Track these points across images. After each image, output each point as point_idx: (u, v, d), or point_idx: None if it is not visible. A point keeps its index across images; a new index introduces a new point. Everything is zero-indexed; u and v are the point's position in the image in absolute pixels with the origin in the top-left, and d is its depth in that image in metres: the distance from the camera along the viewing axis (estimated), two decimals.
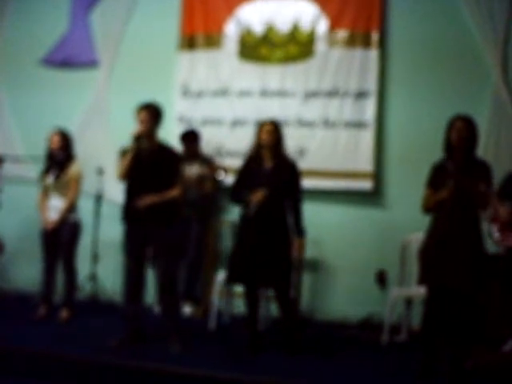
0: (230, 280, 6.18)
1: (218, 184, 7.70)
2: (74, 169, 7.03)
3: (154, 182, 5.98)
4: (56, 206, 7.01)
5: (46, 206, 7.08)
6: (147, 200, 5.90)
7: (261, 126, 6.16)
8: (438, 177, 5.39)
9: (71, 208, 7.04)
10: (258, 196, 5.90)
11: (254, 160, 6.16)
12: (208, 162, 7.72)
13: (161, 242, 6.03)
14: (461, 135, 5.23)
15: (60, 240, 7.02)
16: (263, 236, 5.92)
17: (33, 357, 5.73)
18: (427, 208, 5.46)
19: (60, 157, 7.04)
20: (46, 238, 7.06)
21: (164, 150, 6.17)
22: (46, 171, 7.10)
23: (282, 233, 6.02)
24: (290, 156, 6.29)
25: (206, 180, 7.62)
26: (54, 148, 7.04)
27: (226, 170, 7.62)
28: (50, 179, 7.03)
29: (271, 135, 6.06)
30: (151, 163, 6.01)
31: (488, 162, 5.38)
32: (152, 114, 6.05)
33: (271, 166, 6.07)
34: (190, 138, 7.68)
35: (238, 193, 6.18)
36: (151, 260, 6.12)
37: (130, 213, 6.06)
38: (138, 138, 5.95)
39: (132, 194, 6.01)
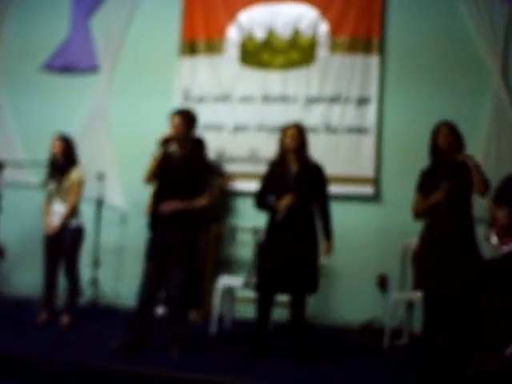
0: (260, 287, 6.07)
1: (225, 192, 7.70)
2: (75, 174, 7.02)
3: (183, 188, 5.95)
4: (58, 211, 7.00)
5: (48, 212, 7.08)
6: (172, 206, 5.89)
7: (284, 130, 6.10)
8: (427, 182, 5.45)
9: (73, 213, 7.03)
10: (286, 201, 5.87)
11: (278, 165, 6.12)
12: (217, 170, 7.71)
13: (182, 249, 5.99)
14: (447, 139, 5.29)
15: (62, 245, 7.01)
16: (293, 241, 5.89)
17: (34, 362, 5.72)
18: (419, 212, 5.50)
19: (62, 162, 7.03)
20: (49, 244, 7.04)
21: (196, 157, 6.17)
22: (49, 177, 7.09)
23: (312, 237, 6.01)
24: (315, 160, 6.23)
25: (214, 188, 7.61)
26: (56, 153, 7.04)
27: (233, 179, 7.65)
28: (53, 184, 7.02)
29: (295, 139, 6.01)
30: (182, 169, 5.99)
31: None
32: (186, 119, 6.04)
33: (297, 169, 6.03)
34: (196, 146, 7.66)
35: (263, 199, 6.16)
36: (171, 266, 6.09)
37: (156, 218, 6.04)
38: (165, 142, 5.94)
39: (160, 199, 6.00)
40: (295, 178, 5.99)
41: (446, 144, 5.29)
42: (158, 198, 6.04)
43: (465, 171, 5.27)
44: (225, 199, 7.74)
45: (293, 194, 5.87)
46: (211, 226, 7.71)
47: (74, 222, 7.01)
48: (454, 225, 5.22)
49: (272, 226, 6.04)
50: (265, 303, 6.08)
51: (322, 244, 6.08)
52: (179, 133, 5.98)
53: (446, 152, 5.30)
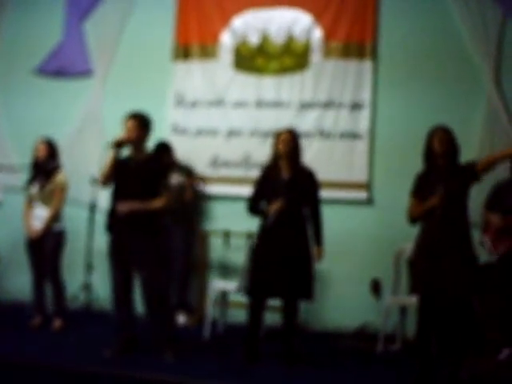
0: (251, 292, 6.06)
1: (197, 193, 7.73)
2: (58, 178, 7.02)
3: (139, 191, 5.94)
4: (40, 215, 6.99)
5: (30, 216, 7.07)
6: (128, 206, 5.88)
7: (277, 135, 6.09)
8: (422, 186, 5.45)
9: (55, 217, 7.03)
10: (275, 206, 5.88)
11: (271, 170, 6.12)
12: (187, 172, 7.73)
13: (145, 251, 5.97)
14: (442, 143, 5.29)
15: (45, 250, 7.00)
16: (283, 246, 5.89)
17: (27, 366, 5.70)
18: (414, 217, 5.50)
19: (45, 166, 7.02)
20: (31, 249, 7.07)
21: (151, 160, 6.16)
22: (32, 180, 7.09)
23: (302, 243, 6.00)
24: (307, 166, 6.23)
25: (186, 189, 7.62)
26: (40, 157, 7.04)
27: (204, 180, 7.66)
28: (35, 188, 7.03)
29: (288, 144, 6.01)
30: (137, 173, 5.99)
31: (471, 162, 5.41)
32: (139, 123, 6.04)
33: (289, 175, 6.03)
34: (161, 150, 7.62)
35: (255, 204, 6.16)
36: (136, 270, 6.09)
37: (114, 221, 6.04)
38: (118, 144, 5.94)
39: (116, 202, 5.99)
40: (286, 184, 5.99)
41: (441, 148, 5.28)
42: (114, 200, 6.05)
43: (459, 176, 5.27)
44: (207, 203, 7.78)
45: (283, 200, 5.87)
46: (194, 229, 7.74)
47: (56, 226, 7.01)
48: (449, 229, 5.22)
49: (263, 231, 6.05)
50: (256, 308, 6.07)
51: (313, 249, 6.08)
52: (132, 136, 5.99)
53: (441, 156, 5.30)
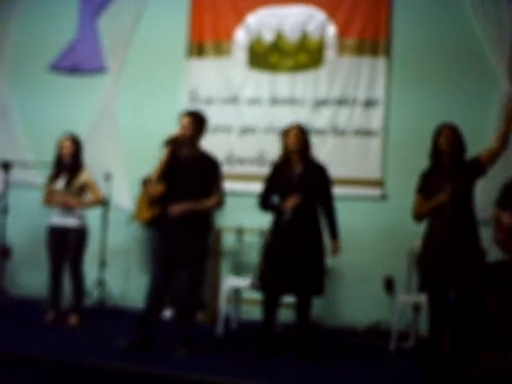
0: (265, 288, 6.08)
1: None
2: (85, 175, 7.04)
3: (192, 189, 5.96)
4: (62, 211, 7.00)
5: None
6: (180, 207, 5.90)
7: (287, 131, 6.12)
8: (427, 183, 5.44)
9: (91, 204, 7.09)
10: (292, 202, 5.88)
11: (282, 166, 6.13)
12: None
13: (191, 251, 5.99)
14: (449, 141, 5.27)
15: (67, 245, 7.02)
16: (298, 242, 5.90)
17: (41, 362, 5.72)
18: (420, 215, 5.48)
19: (70, 162, 7.03)
20: (53, 243, 7.06)
21: (205, 158, 6.16)
22: (55, 176, 7.10)
23: (316, 238, 6.01)
24: (318, 160, 6.25)
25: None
26: (65, 153, 7.03)
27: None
28: (60, 184, 7.02)
29: (298, 140, 6.03)
30: (190, 170, 6.00)
31: (474, 157, 5.39)
32: (194, 120, 6.06)
33: (301, 170, 6.04)
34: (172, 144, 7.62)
35: (267, 200, 6.17)
36: (180, 268, 6.08)
37: (165, 219, 6.05)
38: (172, 142, 5.95)
39: (168, 200, 6.00)
40: (299, 179, 6.00)
41: (448, 146, 5.27)
42: (166, 199, 6.03)
43: (465, 173, 5.26)
44: (228, 199, 7.77)
45: (298, 195, 5.88)
46: (208, 226, 7.74)
47: (80, 222, 7.02)
48: (457, 226, 5.21)
49: (277, 227, 6.05)
50: (270, 305, 6.08)
51: (328, 244, 6.08)
52: (186, 134, 5.99)
53: (447, 154, 5.29)
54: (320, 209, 6.09)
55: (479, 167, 5.29)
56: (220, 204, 6.14)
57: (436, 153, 5.38)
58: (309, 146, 6.14)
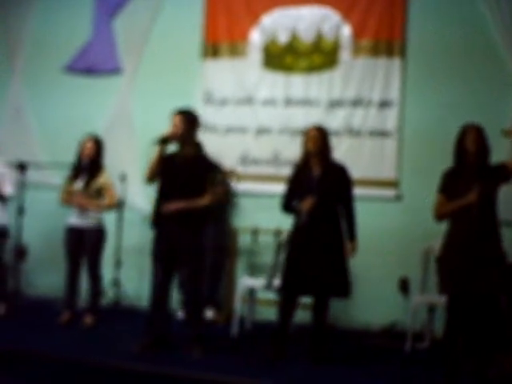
0: (285, 289, 6.08)
1: (228, 188, 7.73)
2: (104, 177, 7.07)
3: (186, 188, 5.97)
4: (80, 212, 7.02)
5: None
6: (174, 206, 5.91)
7: (306, 133, 6.11)
8: (451, 183, 5.38)
9: (106, 208, 7.12)
10: (307, 204, 5.88)
11: (302, 168, 6.13)
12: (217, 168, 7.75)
13: (188, 249, 6.01)
14: (475, 141, 5.22)
15: (85, 245, 7.04)
16: (317, 243, 5.90)
17: (56, 362, 5.76)
18: (442, 214, 5.41)
19: (90, 164, 7.05)
20: (71, 243, 7.08)
21: (199, 157, 6.16)
22: (74, 177, 7.12)
23: (336, 239, 6.00)
24: (339, 161, 6.24)
25: (217, 184, 7.62)
26: (86, 154, 7.05)
27: (237, 175, 7.65)
28: (79, 185, 7.05)
29: (316, 142, 6.01)
30: (184, 169, 6.02)
31: (500, 163, 5.36)
32: (186, 119, 6.05)
33: (320, 172, 6.03)
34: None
35: (288, 202, 6.17)
36: (178, 266, 6.11)
37: (159, 218, 6.06)
38: (164, 141, 5.96)
39: (163, 199, 6.02)
40: (317, 181, 5.99)
41: (474, 146, 5.22)
42: (160, 197, 6.07)
43: (492, 174, 5.23)
44: (240, 199, 7.79)
45: (314, 197, 5.88)
46: (225, 225, 7.75)
47: (96, 222, 7.04)
48: (482, 228, 5.17)
49: (296, 229, 6.05)
50: (287, 306, 6.08)
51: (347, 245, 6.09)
52: (178, 132, 6.00)
53: (473, 155, 5.25)
54: (340, 210, 6.09)
55: (505, 174, 5.24)
56: (213, 203, 6.10)
57: (460, 153, 5.33)
58: (328, 148, 6.12)
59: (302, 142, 6.15)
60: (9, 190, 7.27)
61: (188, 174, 6.01)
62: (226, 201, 7.87)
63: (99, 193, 7.05)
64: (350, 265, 6.07)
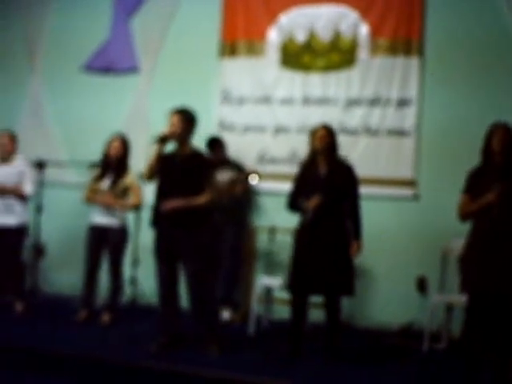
0: (292, 288, 6.10)
1: (249, 187, 7.74)
2: (130, 177, 7.11)
3: (184, 187, 5.98)
4: (104, 211, 7.05)
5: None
6: (171, 204, 5.90)
7: (313, 132, 6.13)
8: (475, 183, 5.33)
9: (131, 208, 7.18)
10: (312, 202, 5.89)
11: (309, 166, 6.15)
12: (237, 167, 7.75)
13: (187, 246, 6.01)
14: (502, 140, 5.18)
15: (106, 245, 7.07)
16: (322, 242, 5.90)
17: (73, 359, 5.78)
18: (465, 214, 5.36)
19: (118, 163, 7.08)
20: (93, 242, 7.11)
21: (196, 156, 6.17)
22: (101, 176, 7.14)
23: (342, 238, 6.00)
24: (346, 160, 6.26)
25: (237, 184, 7.63)
26: (113, 154, 7.08)
27: (259, 174, 7.65)
28: (106, 184, 7.08)
29: (324, 140, 6.03)
30: (182, 168, 6.03)
31: None
32: (184, 118, 6.06)
33: (326, 171, 6.04)
34: (214, 145, 7.70)
35: (294, 200, 6.18)
36: (181, 264, 6.13)
37: (159, 217, 6.08)
38: (162, 140, 5.97)
39: (161, 197, 6.03)
40: (324, 180, 6.01)
41: (501, 146, 5.17)
42: (158, 196, 6.09)
43: None
44: (258, 198, 7.78)
45: (320, 195, 5.88)
46: (244, 224, 7.74)
47: (119, 222, 7.06)
48: (504, 227, 5.13)
49: (302, 227, 6.07)
50: (298, 305, 6.09)
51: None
52: (176, 131, 6.01)
53: (499, 154, 5.20)
54: (346, 209, 6.08)
55: None
56: (211, 202, 6.11)
57: (487, 153, 5.29)
58: (336, 147, 6.14)
59: (309, 140, 6.18)
60: (29, 188, 7.34)
61: (185, 172, 6.02)
62: (246, 201, 7.88)
63: (125, 192, 7.08)
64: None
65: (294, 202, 6.18)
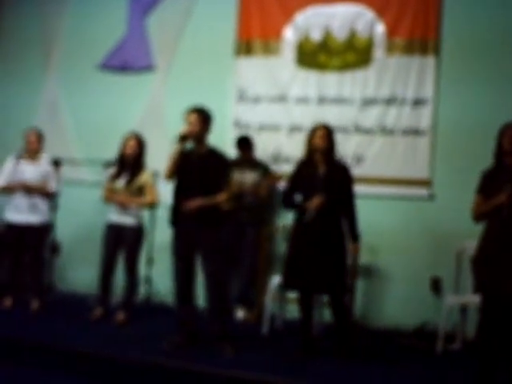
0: (286, 286, 6.17)
1: (273, 190, 7.73)
2: (146, 176, 7.11)
3: (202, 185, 6.01)
4: (120, 209, 7.06)
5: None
6: (193, 204, 5.93)
7: (313, 130, 6.16)
8: (488, 184, 5.29)
9: (147, 206, 7.20)
10: (315, 202, 5.89)
11: (306, 165, 6.17)
12: (264, 169, 7.75)
13: (207, 245, 6.05)
14: None
15: (123, 243, 7.09)
16: (318, 242, 5.91)
17: (87, 357, 5.81)
18: (479, 215, 5.33)
19: (133, 162, 7.09)
20: (109, 240, 7.12)
21: (213, 154, 6.19)
22: (117, 175, 7.16)
23: (337, 238, 6.01)
24: (342, 160, 6.30)
25: (262, 185, 7.64)
26: (129, 153, 7.10)
27: (281, 177, 7.67)
28: (121, 183, 7.10)
29: (324, 139, 6.06)
30: (200, 167, 6.05)
31: None
32: (201, 117, 6.09)
33: (325, 170, 6.05)
34: (243, 144, 7.72)
35: (290, 198, 6.19)
36: (200, 262, 6.14)
37: (178, 215, 6.09)
38: (183, 138, 5.99)
39: (179, 196, 6.06)
40: (323, 179, 6.02)
41: (510, 146, 5.15)
42: (177, 195, 6.11)
43: None
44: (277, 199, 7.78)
45: (322, 195, 5.89)
46: (264, 225, 7.74)
47: (135, 220, 7.08)
48: None
49: (299, 226, 6.09)
50: (303, 304, 6.13)
51: (349, 245, 6.11)
52: (195, 130, 6.03)
53: (510, 154, 5.18)
54: (342, 209, 6.10)
55: None
56: (230, 199, 6.15)
57: (499, 153, 5.26)
58: (334, 147, 6.17)
59: (307, 139, 6.21)
60: (54, 186, 7.40)
61: (203, 171, 6.04)
62: (270, 201, 7.88)
63: (140, 191, 7.08)
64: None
65: (290, 200, 6.22)
